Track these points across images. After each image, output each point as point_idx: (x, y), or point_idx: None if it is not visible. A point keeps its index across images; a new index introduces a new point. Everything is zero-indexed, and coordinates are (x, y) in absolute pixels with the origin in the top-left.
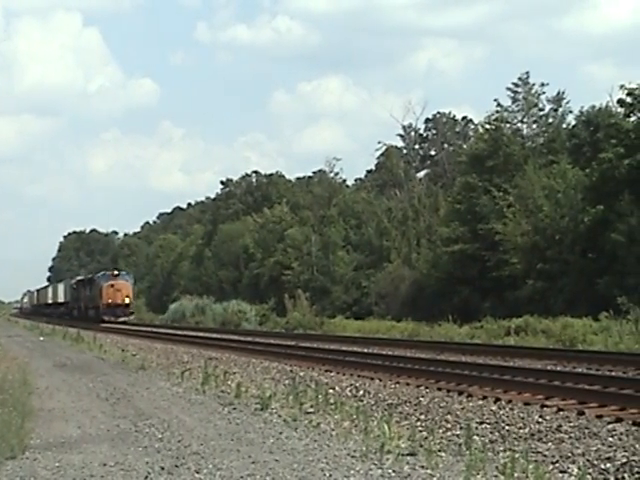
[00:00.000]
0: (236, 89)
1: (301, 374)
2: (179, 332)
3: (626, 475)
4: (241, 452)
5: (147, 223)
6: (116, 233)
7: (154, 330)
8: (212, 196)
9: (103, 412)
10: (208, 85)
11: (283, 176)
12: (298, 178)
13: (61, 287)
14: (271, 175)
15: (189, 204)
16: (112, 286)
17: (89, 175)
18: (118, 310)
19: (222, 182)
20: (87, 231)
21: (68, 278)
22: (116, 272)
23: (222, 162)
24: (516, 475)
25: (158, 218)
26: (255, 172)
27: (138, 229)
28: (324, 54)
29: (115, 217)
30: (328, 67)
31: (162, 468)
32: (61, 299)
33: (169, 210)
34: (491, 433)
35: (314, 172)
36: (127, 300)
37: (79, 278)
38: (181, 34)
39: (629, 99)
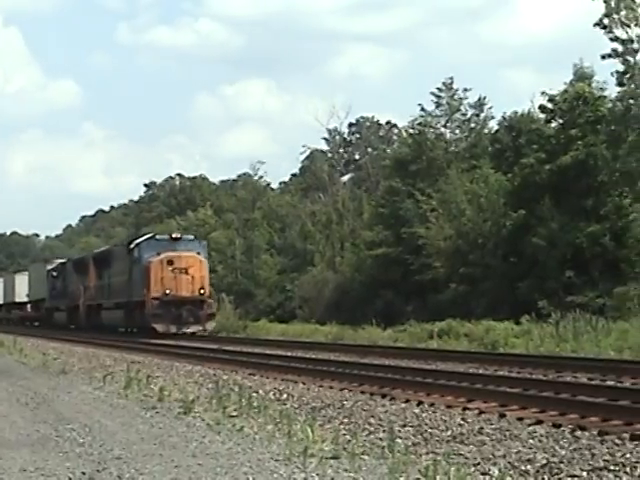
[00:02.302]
0: (159, 91)
1: (224, 377)
2: (101, 335)
3: (546, 476)
4: (164, 456)
5: (69, 226)
6: (37, 236)
7: (76, 333)
8: (135, 199)
9: (23, 417)
10: (130, 87)
11: (207, 179)
12: (222, 181)
13: (21, 279)
14: (195, 178)
15: (112, 207)
16: (171, 263)
17: (9, 177)
18: (184, 310)
19: (145, 185)
20: (7, 233)
21: (40, 262)
22: (176, 234)
23: (145, 165)
24: (438, 477)
25: (80, 221)
26: (179, 175)
27: (60, 232)
28: (247, 57)
29: (36, 219)
30: (251, 70)
31: (83, 473)
32: (22, 297)
33: (91, 213)
34: (414, 436)
35: (238, 175)
36: (202, 291)
37: (64, 260)
38: (102, 35)
39: (550, 105)
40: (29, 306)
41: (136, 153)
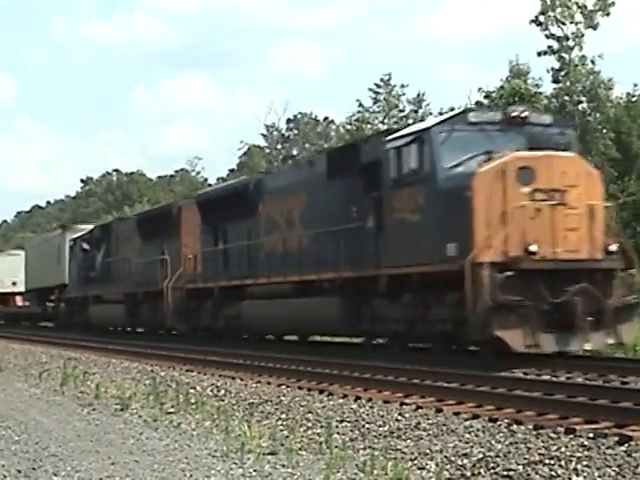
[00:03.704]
0: (95, 86)
1: (162, 374)
2: (37, 332)
3: (482, 470)
4: (100, 453)
5: (5, 222)
6: None
7: (13, 330)
8: (72, 194)
9: None
10: (66, 81)
11: (144, 175)
12: (160, 177)
13: (4, 261)
14: (132, 174)
15: (48, 202)
16: (529, 177)
17: None
18: (577, 296)
19: (82, 180)
20: None
21: (53, 230)
22: (523, 111)
23: (82, 160)
24: (375, 472)
25: (16, 217)
26: (116, 170)
27: None
28: (184, 52)
29: None
30: (188, 65)
31: (19, 471)
32: (6, 286)
33: (27, 208)
34: (351, 431)
35: (176, 171)
36: (612, 248)
37: (105, 222)
38: (37, 28)
39: (486, 101)
40: (20, 298)
41: (72, 148)
